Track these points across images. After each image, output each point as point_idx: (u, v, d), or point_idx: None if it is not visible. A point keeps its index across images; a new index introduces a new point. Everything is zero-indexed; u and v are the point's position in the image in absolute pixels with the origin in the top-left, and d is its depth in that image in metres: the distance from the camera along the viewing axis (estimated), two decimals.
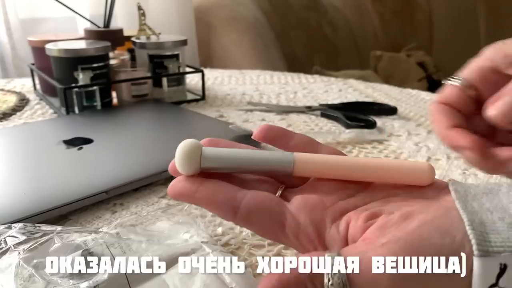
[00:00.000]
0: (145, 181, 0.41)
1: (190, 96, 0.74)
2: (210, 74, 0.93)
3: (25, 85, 0.82)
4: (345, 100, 0.74)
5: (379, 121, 0.62)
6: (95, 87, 0.62)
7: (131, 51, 0.75)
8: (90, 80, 0.61)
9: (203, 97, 0.73)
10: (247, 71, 0.97)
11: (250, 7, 1.35)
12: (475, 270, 0.20)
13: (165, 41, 0.68)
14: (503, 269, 0.20)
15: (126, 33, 0.74)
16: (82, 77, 0.60)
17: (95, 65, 0.61)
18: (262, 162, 0.25)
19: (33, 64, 0.73)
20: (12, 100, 0.71)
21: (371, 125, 0.58)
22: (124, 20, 1.19)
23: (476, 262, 0.20)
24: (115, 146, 0.48)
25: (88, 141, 0.48)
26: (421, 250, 0.20)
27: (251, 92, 0.79)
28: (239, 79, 0.90)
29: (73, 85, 0.60)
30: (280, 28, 1.45)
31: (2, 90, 0.78)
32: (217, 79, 0.89)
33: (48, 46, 0.61)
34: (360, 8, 1.91)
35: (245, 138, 0.50)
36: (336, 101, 0.72)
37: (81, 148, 0.46)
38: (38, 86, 0.76)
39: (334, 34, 1.70)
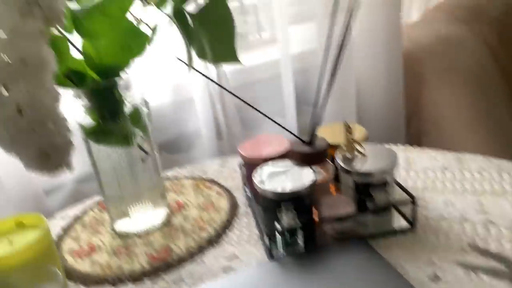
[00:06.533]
0: None
1: (396, 221, 0.65)
2: (418, 161, 0.79)
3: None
4: None
5: None
6: (298, 227, 0.60)
7: (332, 159, 0.71)
8: (293, 220, 0.60)
9: (412, 226, 0.64)
10: (467, 158, 0.79)
11: (473, 48, 1.13)
12: None
13: (372, 171, 0.62)
14: None
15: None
16: (285, 218, 0.60)
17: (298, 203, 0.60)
18: None
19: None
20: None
21: None
22: None
23: None
24: None
25: None
26: None
27: (474, 218, 0.64)
28: (455, 175, 0.74)
29: (278, 227, 0.60)
30: None
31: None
32: (429, 176, 0.75)
33: (257, 182, 0.62)
34: None
35: None
36: None
37: None
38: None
39: None
